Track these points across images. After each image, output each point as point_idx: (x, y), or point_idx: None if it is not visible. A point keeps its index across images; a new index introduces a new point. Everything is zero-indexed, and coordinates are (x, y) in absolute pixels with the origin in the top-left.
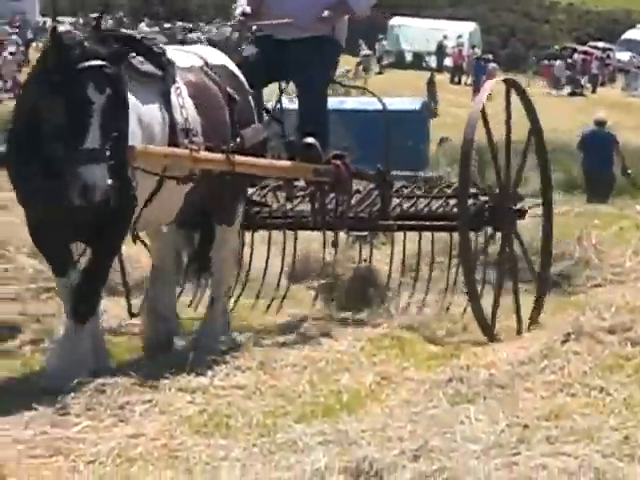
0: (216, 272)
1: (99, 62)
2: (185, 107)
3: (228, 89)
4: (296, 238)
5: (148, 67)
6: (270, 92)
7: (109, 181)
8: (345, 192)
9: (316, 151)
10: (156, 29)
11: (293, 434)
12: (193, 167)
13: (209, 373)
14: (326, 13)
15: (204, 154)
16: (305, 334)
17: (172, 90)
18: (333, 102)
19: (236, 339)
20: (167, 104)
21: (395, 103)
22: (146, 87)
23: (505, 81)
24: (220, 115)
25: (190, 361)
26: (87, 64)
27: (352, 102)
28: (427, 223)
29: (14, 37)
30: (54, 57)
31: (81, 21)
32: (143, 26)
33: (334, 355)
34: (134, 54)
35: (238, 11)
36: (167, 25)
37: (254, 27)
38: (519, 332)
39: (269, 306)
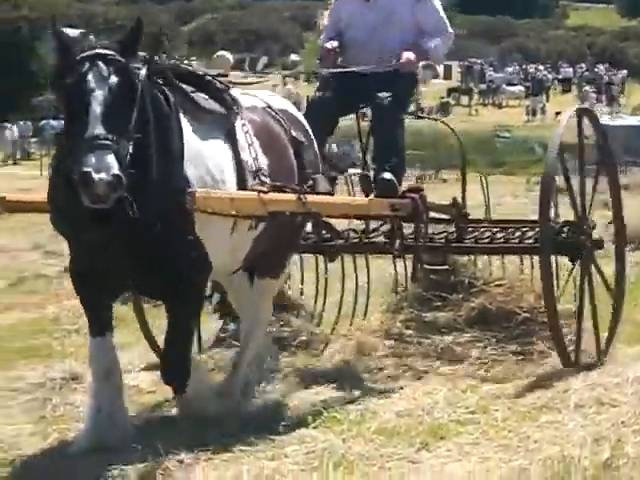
0: (248, 331)
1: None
2: (253, 146)
3: (293, 132)
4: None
5: (211, 104)
6: None
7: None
8: (421, 222)
9: (393, 186)
10: None
11: None
12: (263, 210)
13: None
14: (405, 58)
15: (274, 195)
16: None
17: (238, 128)
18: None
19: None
20: (233, 143)
21: None
22: (209, 125)
23: (578, 110)
24: (287, 157)
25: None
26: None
27: None
28: (501, 245)
29: None
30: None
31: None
32: None
33: None
34: (195, 90)
35: (328, 46)
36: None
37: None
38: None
39: None
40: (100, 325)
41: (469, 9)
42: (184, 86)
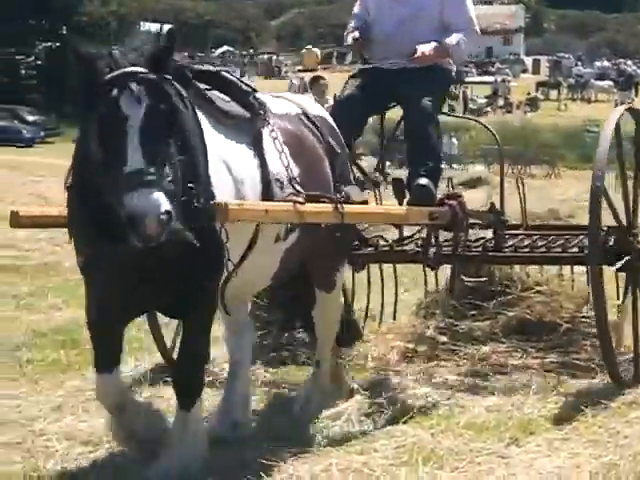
0: (320, 334)
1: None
2: (284, 154)
3: (330, 141)
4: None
5: (233, 107)
6: None
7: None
8: (460, 230)
9: (430, 193)
10: None
11: None
12: (299, 221)
13: None
14: (420, 52)
15: (310, 206)
16: None
17: (265, 134)
18: None
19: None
20: (259, 151)
21: None
22: (234, 130)
23: (629, 110)
24: (321, 169)
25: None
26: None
27: None
28: (542, 255)
29: None
30: None
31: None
32: None
33: None
34: (217, 92)
35: (349, 39)
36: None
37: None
38: None
39: None
40: (108, 358)
41: (558, 4)
42: (201, 86)
